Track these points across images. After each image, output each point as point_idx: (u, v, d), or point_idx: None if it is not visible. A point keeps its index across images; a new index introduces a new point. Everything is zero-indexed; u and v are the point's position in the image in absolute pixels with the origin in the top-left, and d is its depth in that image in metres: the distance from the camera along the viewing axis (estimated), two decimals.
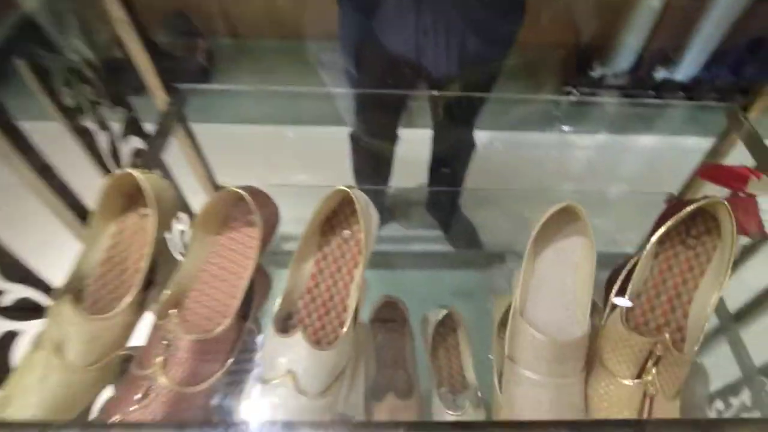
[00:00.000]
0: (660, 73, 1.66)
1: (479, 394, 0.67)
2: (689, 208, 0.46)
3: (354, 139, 1.09)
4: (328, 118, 1.13)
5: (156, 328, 0.44)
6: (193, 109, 0.75)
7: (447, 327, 0.70)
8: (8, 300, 0.46)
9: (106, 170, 0.59)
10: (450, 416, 0.64)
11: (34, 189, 0.49)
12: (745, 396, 0.65)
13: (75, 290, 0.45)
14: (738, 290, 0.69)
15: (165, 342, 0.42)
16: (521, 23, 0.85)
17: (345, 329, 0.45)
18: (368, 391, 0.66)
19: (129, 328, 0.46)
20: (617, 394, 0.45)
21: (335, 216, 0.53)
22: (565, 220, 0.52)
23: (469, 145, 1.10)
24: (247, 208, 0.48)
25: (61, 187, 0.51)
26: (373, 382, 0.68)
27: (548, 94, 1.67)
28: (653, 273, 0.51)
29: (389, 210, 1.30)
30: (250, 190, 0.49)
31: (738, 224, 0.45)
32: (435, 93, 0.94)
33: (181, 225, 0.74)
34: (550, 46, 1.71)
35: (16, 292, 0.47)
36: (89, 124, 0.57)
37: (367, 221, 0.48)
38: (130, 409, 0.41)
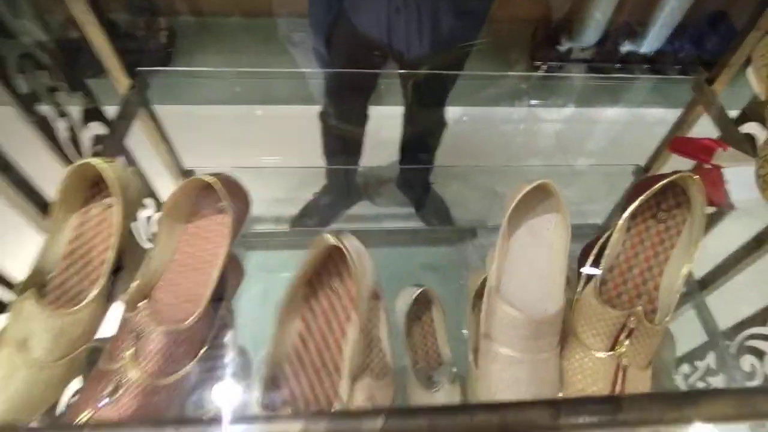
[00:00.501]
0: (626, 47, 1.69)
1: (454, 369, 0.68)
2: (661, 183, 0.47)
3: (324, 118, 1.07)
4: (297, 97, 1.11)
5: (125, 320, 0.42)
6: (155, 92, 0.72)
7: (421, 305, 0.71)
8: None
9: (66, 159, 0.56)
10: (426, 394, 0.65)
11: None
12: (711, 359, 0.68)
13: (38, 285, 0.43)
14: (703, 258, 0.72)
15: (134, 334, 0.41)
16: (492, 1, 0.84)
17: (342, 393, 0.40)
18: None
19: (96, 321, 0.44)
20: (591, 367, 0.47)
21: (323, 267, 0.48)
22: (538, 197, 0.52)
23: (441, 124, 1.10)
24: (216, 195, 0.47)
25: (19, 179, 0.48)
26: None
27: (517, 70, 1.68)
28: (625, 247, 0.52)
29: (360, 188, 1.30)
30: (220, 177, 0.47)
31: (705, 195, 0.46)
32: (406, 72, 0.93)
33: (147, 211, 0.71)
34: (518, 21, 1.71)
35: None
36: (47, 110, 0.53)
37: (360, 272, 0.43)
38: (100, 405, 0.39)
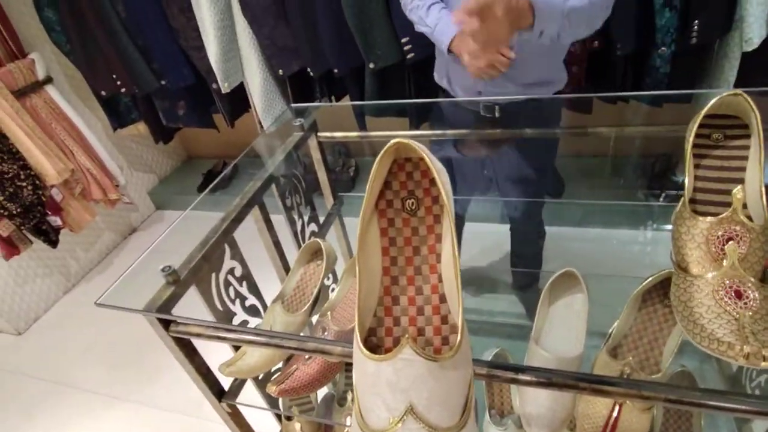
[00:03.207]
0: None
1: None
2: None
3: None
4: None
5: (318, 322, 0.81)
6: (346, 207, 1.19)
7: (500, 358, 0.97)
8: (247, 303, 0.88)
9: (298, 242, 1.03)
10: (497, 430, 0.89)
11: (269, 251, 0.93)
12: None
13: (280, 299, 0.85)
14: None
15: (321, 329, 0.79)
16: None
17: (459, 327, 0.37)
18: None
19: (304, 323, 0.84)
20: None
21: (388, 187, 0.44)
22: (571, 281, 0.79)
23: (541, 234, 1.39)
24: None
25: (279, 251, 0.95)
26: None
27: (638, 199, 1.86)
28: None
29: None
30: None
31: None
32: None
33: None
34: (638, 156, 1.94)
35: (251, 300, 0.89)
36: (294, 215, 1.02)
37: (440, 174, 0.39)
38: (303, 363, 0.77)
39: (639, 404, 0.66)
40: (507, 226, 1.40)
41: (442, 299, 0.41)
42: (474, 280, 1.61)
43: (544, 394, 0.67)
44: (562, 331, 0.76)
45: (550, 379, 0.51)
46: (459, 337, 0.36)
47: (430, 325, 0.41)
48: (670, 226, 0.61)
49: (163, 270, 0.66)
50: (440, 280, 0.41)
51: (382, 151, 0.40)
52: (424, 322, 0.41)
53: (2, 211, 1.78)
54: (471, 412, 0.37)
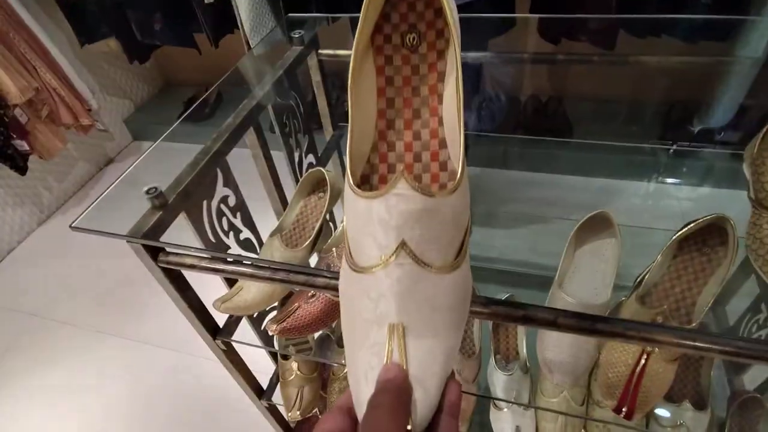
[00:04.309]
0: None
1: (528, 364, 0.88)
2: (703, 218, 0.60)
3: None
4: None
5: (321, 258, 0.74)
6: (345, 140, 1.10)
7: None
8: (241, 237, 0.80)
9: (295, 172, 0.94)
10: (503, 375, 0.86)
11: (265, 182, 0.84)
12: None
13: (279, 232, 0.78)
14: None
15: (327, 265, 0.72)
16: None
17: (460, 168, 0.33)
18: None
19: (305, 259, 0.77)
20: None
21: (386, 20, 0.38)
22: (602, 224, 0.73)
23: None
24: None
25: (275, 178, 0.86)
26: None
27: (644, 149, 1.80)
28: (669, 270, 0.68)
29: None
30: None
31: None
32: None
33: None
34: (652, 102, 1.86)
35: (245, 233, 0.81)
36: (292, 143, 0.92)
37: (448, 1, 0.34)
38: (306, 302, 0.71)
39: (666, 354, 0.62)
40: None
41: (442, 144, 0.38)
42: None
43: (568, 339, 0.63)
44: (588, 277, 0.71)
45: (594, 325, 0.46)
46: (458, 176, 0.33)
47: (427, 173, 0.38)
48: (676, 180, 0.58)
49: (147, 192, 0.57)
50: (440, 124, 0.38)
51: None
52: (422, 169, 0.38)
53: None
54: (466, 256, 0.34)
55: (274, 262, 0.59)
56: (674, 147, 1.63)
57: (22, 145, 1.83)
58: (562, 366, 0.63)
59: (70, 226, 0.55)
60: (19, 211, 2.05)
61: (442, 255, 0.32)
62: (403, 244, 0.31)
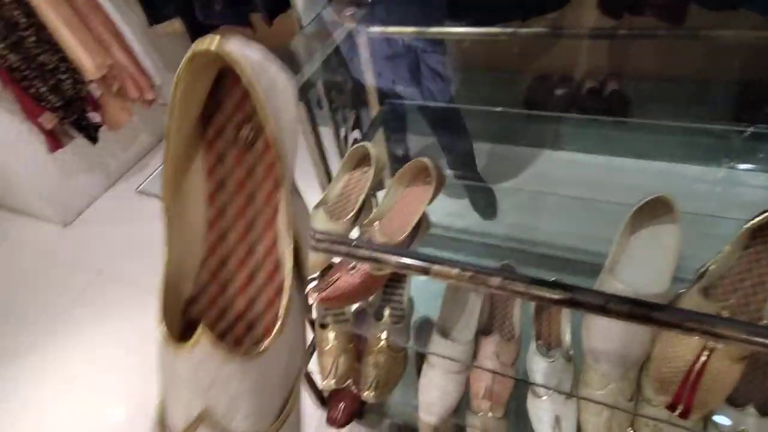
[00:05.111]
0: None
1: (571, 352, 0.85)
2: None
3: None
4: None
5: (363, 232, 0.75)
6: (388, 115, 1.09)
7: None
8: None
9: (341, 148, 0.95)
10: (543, 362, 0.83)
11: (312, 154, 0.85)
12: None
13: (323, 204, 0.79)
14: None
15: (367, 239, 0.73)
16: None
17: (283, 308, 0.27)
18: (480, 324, 0.88)
19: (347, 231, 0.78)
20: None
21: (219, 109, 0.31)
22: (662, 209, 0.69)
23: None
24: (428, 172, 0.77)
25: (321, 152, 0.87)
26: (486, 321, 0.90)
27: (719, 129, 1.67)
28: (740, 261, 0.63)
29: None
30: (430, 162, 0.78)
31: None
32: None
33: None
34: (724, 81, 1.71)
35: None
36: (339, 119, 0.92)
37: (272, 101, 0.27)
38: (346, 272, 0.72)
39: (733, 352, 0.57)
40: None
41: (278, 264, 0.30)
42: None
43: (618, 328, 0.60)
44: (643, 265, 0.67)
45: (650, 313, 0.43)
46: (280, 322, 0.27)
47: (262, 296, 0.30)
48: (751, 166, 0.53)
49: None
50: (277, 239, 0.31)
51: (184, 58, 0.27)
52: (255, 292, 0.30)
53: (45, 103, 1.77)
54: (293, 413, 0.28)
55: (319, 231, 0.60)
56: (751, 129, 1.50)
57: (95, 117, 1.96)
58: (610, 356, 0.60)
59: (136, 190, 0.58)
60: (90, 176, 2.21)
61: (257, 419, 0.26)
62: (205, 414, 0.25)
